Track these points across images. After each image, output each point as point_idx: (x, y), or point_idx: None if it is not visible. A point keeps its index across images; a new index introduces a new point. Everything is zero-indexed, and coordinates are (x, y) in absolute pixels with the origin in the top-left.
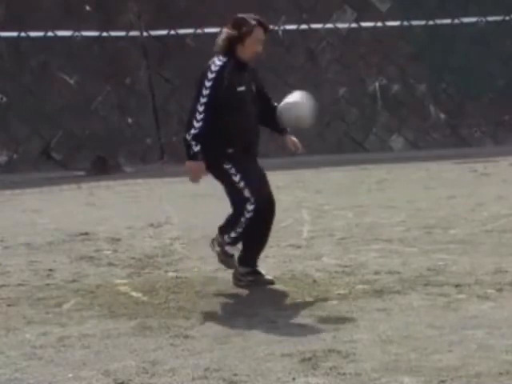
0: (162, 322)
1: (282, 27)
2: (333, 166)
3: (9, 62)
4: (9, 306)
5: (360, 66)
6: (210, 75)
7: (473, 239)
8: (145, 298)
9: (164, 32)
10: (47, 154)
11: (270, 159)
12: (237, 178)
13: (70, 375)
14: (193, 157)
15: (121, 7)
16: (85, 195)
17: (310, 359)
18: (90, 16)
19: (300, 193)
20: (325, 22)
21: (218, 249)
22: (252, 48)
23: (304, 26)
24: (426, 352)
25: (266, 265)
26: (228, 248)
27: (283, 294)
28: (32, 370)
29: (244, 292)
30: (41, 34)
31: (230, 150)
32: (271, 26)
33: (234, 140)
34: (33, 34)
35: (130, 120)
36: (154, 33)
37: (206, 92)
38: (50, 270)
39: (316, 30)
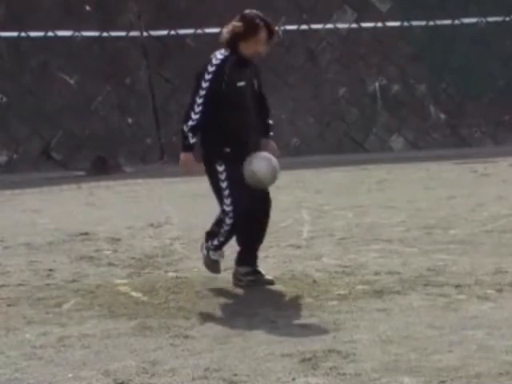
0: (162, 322)
1: (282, 27)
2: (333, 166)
3: (9, 62)
4: (9, 306)
5: (360, 66)
6: (210, 68)
7: (473, 239)
8: (145, 298)
9: (164, 32)
10: (47, 154)
11: None
12: (223, 185)
13: (70, 375)
14: (188, 148)
15: (121, 7)
16: (85, 195)
17: (310, 359)
18: (90, 16)
19: (300, 193)
20: (325, 23)
21: (204, 252)
22: (254, 48)
23: (304, 26)
24: (426, 352)
25: (266, 265)
26: (211, 253)
27: (283, 294)
28: (32, 370)
29: (244, 292)
30: (41, 34)
31: (227, 149)
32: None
33: (232, 137)
34: (33, 33)
35: (130, 120)
36: (153, 33)
37: (205, 85)
38: (50, 270)
39: (316, 30)
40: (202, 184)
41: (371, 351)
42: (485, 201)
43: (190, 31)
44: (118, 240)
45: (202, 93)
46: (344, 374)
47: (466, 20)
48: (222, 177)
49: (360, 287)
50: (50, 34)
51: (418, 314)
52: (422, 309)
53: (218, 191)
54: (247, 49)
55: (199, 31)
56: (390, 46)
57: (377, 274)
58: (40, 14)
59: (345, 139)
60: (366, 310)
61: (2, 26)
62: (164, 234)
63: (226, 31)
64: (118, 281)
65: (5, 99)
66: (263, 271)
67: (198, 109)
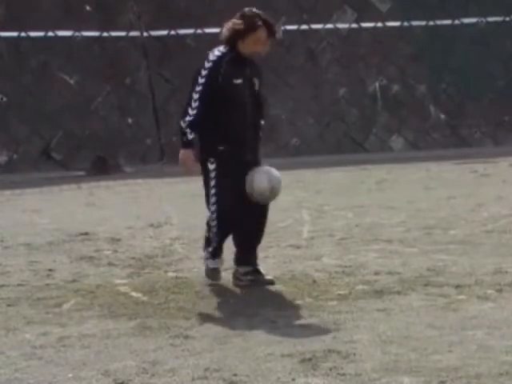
0: (161, 322)
1: (282, 27)
2: (333, 166)
3: (9, 62)
4: (9, 306)
5: (360, 67)
6: (207, 64)
7: (473, 240)
8: (145, 298)
9: (164, 32)
10: (47, 154)
11: (269, 159)
12: (211, 183)
13: (70, 375)
14: (187, 145)
15: (121, 7)
16: (85, 195)
17: (309, 359)
18: (90, 16)
19: (300, 193)
20: (325, 23)
21: (203, 262)
22: (251, 46)
23: (304, 27)
24: (426, 352)
25: (266, 265)
26: (210, 262)
27: (283, 294)
28: (32, 370)
29: (244, 292)
30: (41, 34)
31: (221, 147)
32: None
33: (227, 134)
34: (33, 33)
35: (130, 120)
36: (154, 33)
37: (201, 81)
38: (50, 270)
39: (316, 30)
40: (202, 184)
41: (371, 351)
42: (485, 201)
43: (190, 31)
44: (118, 240)
45: (199, 88)
46: (344, 374)
47: (466, 20)
48: (212, 175)
49: (360, 287)
50: (50, 34)
51: (417, 314)
52: (422, 309)
53: (205, 190)
54: (246, 47)
55: (199, 31)
56: (390, 46)
57: (377, 274)
58: (40, 14)
59: (345, 139)
60: (365, 310)
61: (2, 26)
62: (164, 234)
63: (225, 29)
64: (118, 281)
65: (5, 99)
66: (263, 271)
67: (194, 104)
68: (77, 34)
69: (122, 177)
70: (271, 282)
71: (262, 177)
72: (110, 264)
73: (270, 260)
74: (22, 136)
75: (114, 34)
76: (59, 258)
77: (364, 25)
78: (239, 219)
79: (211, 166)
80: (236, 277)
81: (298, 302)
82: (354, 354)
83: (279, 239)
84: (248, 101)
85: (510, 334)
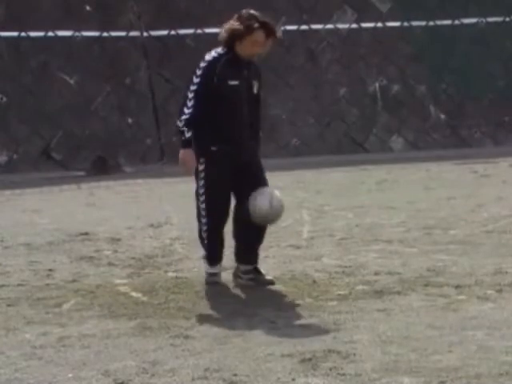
0: (161, 322)
1: (282, 27)
2: (333, 166)
3: (9, 62)
4: (9, 306)
5: (360, 67)
6: (202, 64)
7: (473, 240)
8: (145, 299)
9: (164, 32)
10: (47, 154)
11: (269, 159)
12: (200, 183)
13: (70, 375)
14: (186, 144)
15: (121, 7)
16: (85, 195)
17: (309, 359)
18: (90, 16)
19: (300, 193)
20: (325, 23)
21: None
22: (249, 48)
23: (304, 27)
24: (426, 353)
25: (266, 265)
26: (208, 268)
27: (283, 295)
28: (32, 370)
29: (244, 292)
30: (41, 34)
31: (213, 148)
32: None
33: (219, 135)
34: (33, 34)
35: (130, 120)
36: (154, 33)
37: (196, 80)
38: (50, 270)
39: (316, 30)
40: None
41: (371, 351)
42: (485, 201)
43: (190, 31)
44: (118, 240)
45: (193, 88)
46: (344, 375)
47: (466, 20)
48: (202, 175)
49: (360, 287)
50: (50, 34)
51: (417, 315)
52: (422, 309)
53: (197, 190)
54: (243, 49)
55: (199, 31)
56: (390, 47)
57: (377, 274)
58: (40, 14)
59: (345, 139)
60: (365, 310)
61: (2, 26)
62: (164, 234)
63: (223, 30)
64: (118, 281)
65: (5, 99)
66: (263, 271)
67: (190, 103)
68: (77, 34)
69: (122, 177)
70: (271, 282)
71: (264, 199)
72: (110, 264)
73: (270, 260)
74: (21, 136)
75: (113, 34)
76: (59, 258)
77: (364, 25)
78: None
79: (201, 167)
80: (236, 274)
81: (298, 302)
82: (354, 354)
83: (279, 239)
84: (244, 102)
85: (509, 334)
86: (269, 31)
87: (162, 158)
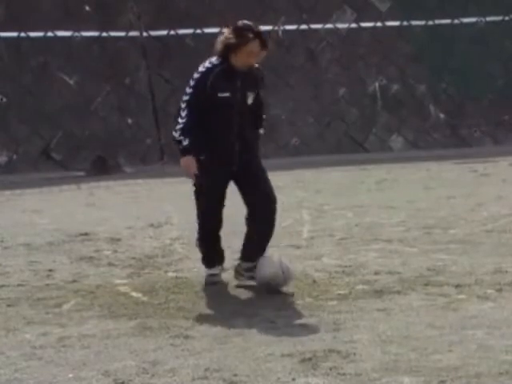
0: (162, 322)
1: (282, 27)
2: (333, 166)
3: (9, 63)
4: (9, 306)
5: (360, 66)
6: (195, 75)
7: (473, 239)
8: (145, 299)
9: (164, 32)
10: (47, 154)
11: (269, 159)
12: (194, 189)
13: (70, 375)
14: (185, 151)
15: (121, 7)
16: (85, 195)
17: (310, 359)
18: (90, 16)
19: (300, 193)
20: (325, 22)
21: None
22: (244, 59)
23: (304, 26)
24: (426, 352)
25: None
26: (207, 270)
27: (283, 294)
28: (32, 371)
29: (244, 292)
30: (41, 34)
31: (201, 157)
32: (271, 27)
33: (209, 145)
34: (33, 34)
35: (129, 120)
36: (153, 33)
37: (189, 91)
38: (50, 270)
39: (316, 30)
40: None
41: (371, 351)
42: (484, 201)
43: (190, 31)
44: (118, 240)
45: (186, 98)
46: (344, 374)
47: (466, 20)
48: (193, 182)
49: (360, 287)
50: (50, 34)
51: (417, 314)
52: (422, 308)
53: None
54: (238, 60)
55: (199, 31)
56: (389, 46)
57: (377, 273)
58: (40, 14)
59: (345, 139)
60: (365, 309)
61: (2, 27)
62: (164, 234)
63: (218, 41)
64: (118, 281)
65: (5, 100)
66: None
67: (183, 113)
68: (76, 34)
69: (122, 177)
70: None
71: (274, 272)
72: (109, 264)
73: None
74: (22, 136)
75: (113, 34)
76: (59, 259)
77: (364, 24)
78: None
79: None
80: (237, 271)
81: (298, 301)
82: (354, 354)
83: (279, 239)
84: (236, 114)
85: (509, 333)
86: (263, 42)
87: (162, 158)
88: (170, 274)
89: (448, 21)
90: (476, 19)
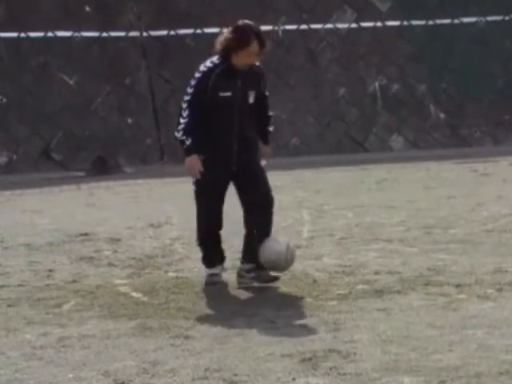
0: (162, 322)
1: (282, 27)
2: (333, 165)
3: (9, 63)
4: (9, 306)
5: (360, 66)
6: (197, 75)
7: (473, 239)
8: (145, 299)
9: (164, 32)
10: (47, 154)
11: (269, 159)
12: (194, 188)
13: (71, 376)
14: (189, 151)
15: (121, 7)
16: (85, 196)
17: (310, 359)
18: (90, 16)
19: (300, 193)
20: (325, 22)
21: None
22: (245, 59)
23: (304, 26)
24: (426, 352)
25: None
26: (207, 270)
27: (283, 294)
28: (32, 371)
29: (244, 292)
30: (41, 34)
31: (203, 157)
32: (271, 27)
33: (209, 145)
34: (33, 34)
35: (129, 120)
36: (153, 33)
37: (190, 91)
38: (50, 270)
39: (316, 30)
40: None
41: (371, 351)
42: (485, 200)
43: (190, 31)
44: (118, 240)
45: (187, 98)
46: (344, 374)
47: (466, 20)
48: (194, 181)
49: (360, 287)
50: (50, 34)
51: (418, 314)
52: (422, 308)
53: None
54: (239, 59)
55: (199, 31)
56: (389, 46)
57: (377, 273)
58: (40, 14)
59: (345, 139)
60: (366, 309)
61: (2, 27)
62: (164, 234)
63: (218, 42)
64: (118, 281)
65: (5, 100)
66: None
67: (184, 113)
68: (76, 34)
69: (122, 177)
70: (275, 278)
71: (279, 253)
72: (110, 264)
73: None
74: (22, 136)
75: (113, 34)
76: (59, 259)
77: (364, 24)
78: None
79: None
80: (239, 274)
81: (298, 301)
82: (355, 354)
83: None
84: (237, 113)
85: (510, 333)
86: (262, 42)
87: (162, 158)
88: (170, 274)
89: (448, 21)
90: (476, 19)
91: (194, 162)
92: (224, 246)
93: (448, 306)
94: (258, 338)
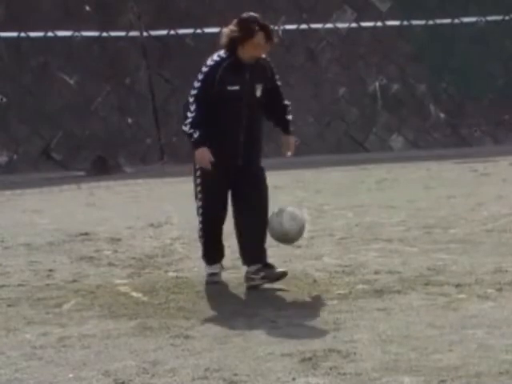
0: (162, 322)
1: (282, 27)
2: (333, 165)
3: (9, 63)
4: (9, 306)
5: (360, 66)
6: (204, 69)
7: (473, 239)
8: (145, 299)
9: (164, 32)
10: (47, 154)
11: (269, 159)
12: (197, 181)
13: (71, 375)
14: (197, 144)
15: (121, 7)
16: (85, 195)
17: (310, 359)
18: (90, 16)
19: (300, 193)
20: (325, 22)
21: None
22: (251, 52)
23: (304, 26)
24: (426, 352)
25: None
26: (207, 268)
27: (283, 294)
28: (32, 371)
29: (244, 292)
30: (41, 34)
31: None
32: (271, 26)
33: (216, 138)
34: (33, 34)
35: (129, 120)
36: (153, 33)
37: (197, 85)
38: (50, 270)
39: (316, 29)
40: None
41: (371, 351)
42: (485, 200)
43: (190, 31)
44: (118, 240)
45: (194, 92)
46: (344, 374)
47: (466, 19)
48: (198, 174)
49: (360, 287)
50: (50, 34)
51: (418, 314)
52: (422, 308)
53: (195, 189)
54: (245, 52)
55: (199, 31)
56: (389, 46)
57: (377, 273)
58: (40, 14)
59: (345, 139)
60: (366, 309)
61: (2, 27)
62: (164, 233)
63: (223, 35)
64: (119, 281)
65: (5, 100)
66: (274, 264)
67: (192, 107)
68: (76, 34)
69: (122, 177)
70: (284, 274)
71: (291, 222)
72: (110, 264)
73: (270, 259)
74: (22, 136)
75: (113, 34)
76: (59, 259)
77: (364, 24)
78: (238, 223)
79: (196, 165)
80: (248, 278)
81: (298, 301)
82: (355, 354)
83: None
84: (245, 107)
85: (510, 333)
86: (268, 35)
87: (162, 157)
88: (171, 274)
89: (448, 20)
90: (476, 19)
91: (205, 153)
92: (224, 244)
93: (448, 305)
94: (257, 338)
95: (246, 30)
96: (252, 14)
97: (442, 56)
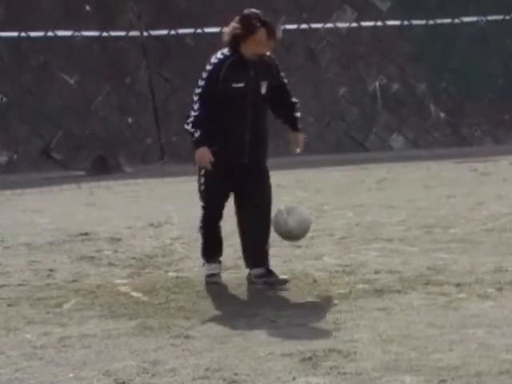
0: (162, 322)
1: (282, 27)
2: (333, 165)
3: (9, 63)
4: (9, 306)
5: (360, 66)
6: (208, 67)
7: (473, 238)
8: (145, 298)
9: (164, 32)
10: (47, 154)
11: (269, 159)
12: (201, 181)
13: (71, 375)
14: (198, 143)
15: (121, 7)
16: (85, 195)
17: (310, 359)
18: (90, 16)
19: (300, 192)
20: (325, 22)
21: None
22: (253, 48)
23: (304, 26)
24: (427, 351)
25: None
26: (206, 268)
27: (283, 294)
28: (32, 370)
29: (244, 292)
30: (41, 34)
31: (213, 149)
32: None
33: (221, 136)
34: (33, 34)
35: (130, 120)
36: (154, 33)
37: (201, 83)
38: (51, 270)
39: (316, 29)
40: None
41: (371, 350)
42: (485, 200)
43: (190, 31)
44: (119, 240)
45: (198, 91)
46: (344, 374)
47: (466, 19)
48: (201, 173)
49: (360, 286)
50: (50, 34)
51: (418, 313)
52: (423, 308)
53: (198, 187)
54: (248, 49)
55: (199, 31)
56: (390, 45)
57: (377, 273)
58: (40, 14)
59: (345, 138)
60: (366, 309)
61: (2, 26)
62: (164, 233)
63: (226, 33)
64: (119, 281)
65: (5, 99)
66: (275, 272)
67: (195, 106)
68: (77, 34)
69: (122, 177)
70: (286, 282)
71: (297, 220)
72: (110, 264)
73: (270, 259)
74: (22, 136)
75: (113, 33)
76: (59, 258)
77: (364, 24)
78: (241, 221)
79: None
80: (251, 280)
81: (299, 301)
82: (355, 353)
83: (280, 239)
84: (249, 104)
85: (510, 332)
86: (270, 31)
87: (162, 157)
88: (171, 274)
89: (448, 20)
90: (476, 18)
91: (205, 153)
92: (224, 244)
93: (448, 305)
94: (258, 338)
95: (248, 26)
96: (254, 10)
97: (442, 56)
